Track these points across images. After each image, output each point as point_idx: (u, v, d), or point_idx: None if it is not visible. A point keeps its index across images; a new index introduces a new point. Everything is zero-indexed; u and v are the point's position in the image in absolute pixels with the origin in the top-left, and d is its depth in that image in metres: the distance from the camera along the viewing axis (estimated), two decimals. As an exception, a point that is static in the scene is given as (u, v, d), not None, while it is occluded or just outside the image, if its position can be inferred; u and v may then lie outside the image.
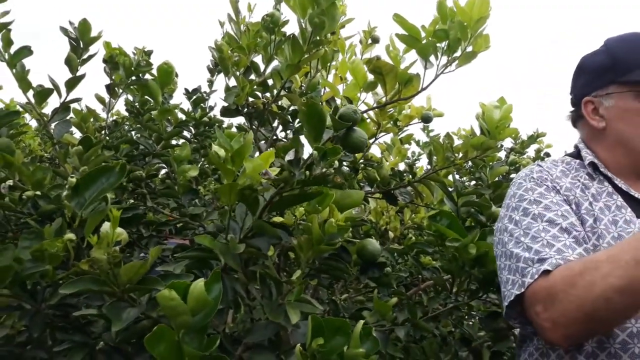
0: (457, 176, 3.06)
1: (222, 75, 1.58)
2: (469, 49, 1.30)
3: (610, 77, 1.19)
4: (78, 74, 1.71)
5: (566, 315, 0.93)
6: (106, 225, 0.84)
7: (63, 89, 1.67)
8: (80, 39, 1.71)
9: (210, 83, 2.21)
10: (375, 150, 2.69)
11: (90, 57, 1.73)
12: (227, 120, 2.43)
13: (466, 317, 2.06)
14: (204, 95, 2.22)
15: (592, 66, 1.25)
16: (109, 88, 1.89)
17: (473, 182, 3.09)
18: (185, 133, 2.24)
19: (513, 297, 1.03)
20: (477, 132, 1.72)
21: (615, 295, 0.88)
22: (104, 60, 1.85)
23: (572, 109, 1.30)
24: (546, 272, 0.99)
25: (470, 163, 2.12)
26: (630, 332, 1.00)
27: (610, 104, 1.19)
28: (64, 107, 1.67)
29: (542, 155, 3.77)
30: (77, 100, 1.74)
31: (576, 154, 1.26)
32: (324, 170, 0.82)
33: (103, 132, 1.84)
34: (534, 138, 3.68)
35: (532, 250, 1.03)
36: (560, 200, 1.13)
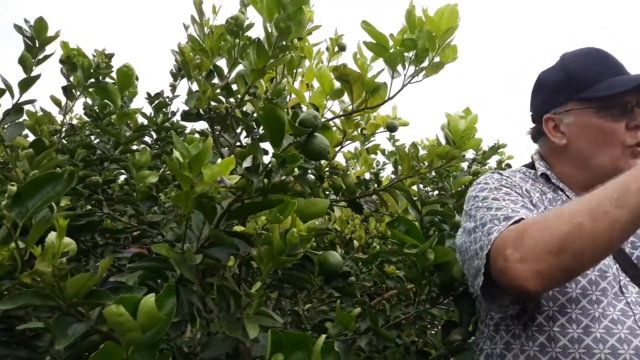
0: (421, 186, 3.08)
1: (185, 80, 1.54)
2: (437, 59, 1.30)
3: (567, 93, 1.20)
4: (33, 74, 1.63)
5: (537, 249, 0.91)
6: (52, 235, 0.79)
7: (16, 90, 1.59)
8: (35, 38, 1.64)
9: (173, 88, 2.16)
10: (341, 159, 2.68)
11: (47, 57, 1.66)
12: (190, 127, 2.37)
13: (429, 326, 2.06)
14: (167, 100, 2.16)
15: (549, 83, 1.26)
16: (66, 90, 1.81)
17: (436, 192, 3.11)
18: (147, 139, 2.18)
19: (484, 258, 1.00)
20: (442, 142, 1.73)
21: (586, 219, 0.88)
22: (61, 61, 1.78)
23: (533, 125, 1.32)
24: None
25: (433, 173, 2.13)
26: (571, 337, 1.01)
27: (570, 121, 1.20)
28: (17, 109, 1.59)
29: (503, 166, 3.84)
30: (31, 101, 1.66)
31: (532, 165, 1.29)
32: (283, 177, 0.79)
33: (57, 135, 1.76)
34: (495, 149, 3.75)
35: (497, 215, 1.04)
36: (520, 193, 1.16)
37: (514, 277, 0.93)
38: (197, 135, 2.06)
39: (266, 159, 0.95)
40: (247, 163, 0.81)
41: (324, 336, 0.82)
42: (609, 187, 0.91)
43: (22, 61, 1.63)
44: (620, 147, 1.13)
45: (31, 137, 1.75)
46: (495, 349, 1.13)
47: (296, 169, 0.82)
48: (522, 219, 1.00)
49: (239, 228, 1.11)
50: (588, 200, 0.91)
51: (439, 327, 2.02)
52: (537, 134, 1.31)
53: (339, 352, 0.86)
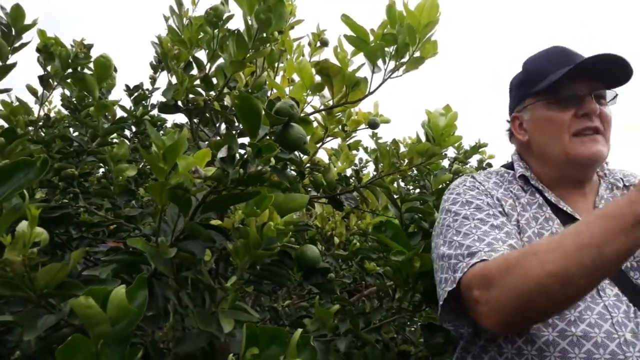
0: (401, 184, 3.09)
1: (165, 72, 1.51)
2: (417, 54, 1.30)
3: (524, 91, 1.23)
4: (8, 62, 1.59)
5: (501, 302, 0.93)
6: (23, 224, 0.77)
7: (-10, 79, 1.55)
8: (12, 26, 1.60)
9: (153, 80, 2.12)
10: (322, 155, 2.67)
11: (23, 45, 1.62)
12: (171, 120, 2.35)
13: (408, 323, 2.06)
14: (146, 92, 2.13)
15: (514, 84, 1.30)
16: (43, 80, 1.77)
17: (417, 190, 3.12)
18: (126, 132, 2.14)
19: (446, 294, 1.04)
20: (423, 139, 1.73)
21: (552, 282, 0.87)
22: (38, 50, 1.74)
23: (508, 126, 1.35)
24: (475, 265, 1.00)
25: (415, 171, 2.13)
26: (546, 340, 1.00)
27: (528, 117, 1.24)
28: (-10, 98, 1.56)
29: (484, 165, 3.86)
30: (7, 90, 1.63)
31: (510, 165, 1.29)
32: (259, 167, 0.78)
33: (34, 126, 1.73)
34: (476, 148, 3.78)
35: (463, 246, 1.05)
36: (491, 202, 1.15)
37: (482, 321, 0.98)
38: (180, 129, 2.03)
39: (243, 153, 0.93)
40: (222, 153, 0.80)
41: (300, 331, 0.82)
42: (582, 241, 0.86)
43: (-3, 49, 1.59)
44: (568, 135, 1.15)
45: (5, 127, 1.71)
46: (475, 349, 1.13)
47: (273, 159, 0.82)
48: (485, 259, 1.00)
49: (215, 222, 1.09)
50: (557, 256, 0.88)
51: (418, 324, 2.03)
52: (510, 135, 1.33)
53: (315, 348, 0.86)
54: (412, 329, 2.08)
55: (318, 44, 1.79)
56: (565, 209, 1.16)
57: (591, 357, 0.96)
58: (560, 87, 1.14)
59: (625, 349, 0.97)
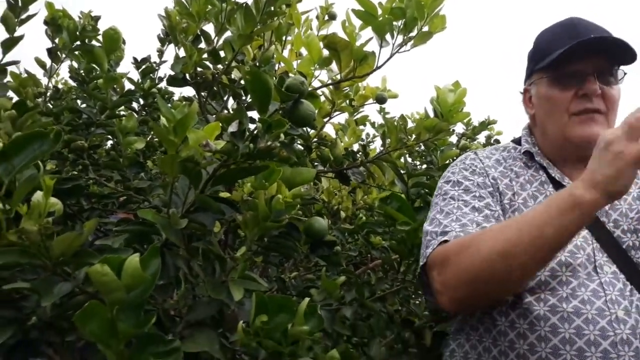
0: (408, 159, 3.10)
1: (173, 45, 1.51)
2: (425, 28, 1.29)
3: (532, 65, 1.22)
4: (16, 34, 1.60)
5: (455, 278, 1.00)
6: (38, 194, 0.79)
7: (-1, 51, 1.56)
8: (19, -3, 1.60)
9: (160, 53, 2.12)
10: (329, 130, 2.68)
11: (30, 17, 1.63)
12: (178, 94, 2.35)
13: (412, 296, 2.10)
14: (154, 65, 2.13)
15: (528, 56, 1.29)
16: (51, 52, 1.78)
17: (424, 166, 3.13)
18: (134, 105, 2.15)
19: (419, 269, 1.10)
20: (431, 114, 1.73)
21: (495, 258, 0.94)
22: (45, 22, 1.74)
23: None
24: (445, 242, 1.05)
25: (422, 147, 2.14)
26: (537, 314, 1.01)
27: (534, 92, 1.23)
28: (0, 70, 1.56)
29: (492, 142, 3.85)
30: (15, 62, 1.63)
31: (519, 140, 1.29)
32: (269, 143, 0.79)
33: (42, 98, 1.74)
34: (485, 125, 3.76)
35: (441, 225, 1.09)
36: (482, 183, 1.17)
37: (438, 298, 1.05)
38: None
39: (253, 128, 0.94)
40: (232, 128, 0.81)
41: (307, 299, 0.84)
42: (530, 221, 0.95)
43: (4, 21, 1.59)
44: (567, 115, 1.13)
45: (16, 100, 1.73)
46: (472, 320, 1.14)
47: (282, 135, 0.83)
48: (456, 234, 1.06)
49: (224, 194, 1.11)
50: (507, 234, 0.96)
51: (423, 297, 2.06)
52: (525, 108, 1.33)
53: (322, 316, 0.88)
54: (417, 302, 2.11)
55: (326, 17, 1.78)
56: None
57: (580, 333, 0.96)
58: (563, 64, 1.12)
59: (616, 325, 0.96)
